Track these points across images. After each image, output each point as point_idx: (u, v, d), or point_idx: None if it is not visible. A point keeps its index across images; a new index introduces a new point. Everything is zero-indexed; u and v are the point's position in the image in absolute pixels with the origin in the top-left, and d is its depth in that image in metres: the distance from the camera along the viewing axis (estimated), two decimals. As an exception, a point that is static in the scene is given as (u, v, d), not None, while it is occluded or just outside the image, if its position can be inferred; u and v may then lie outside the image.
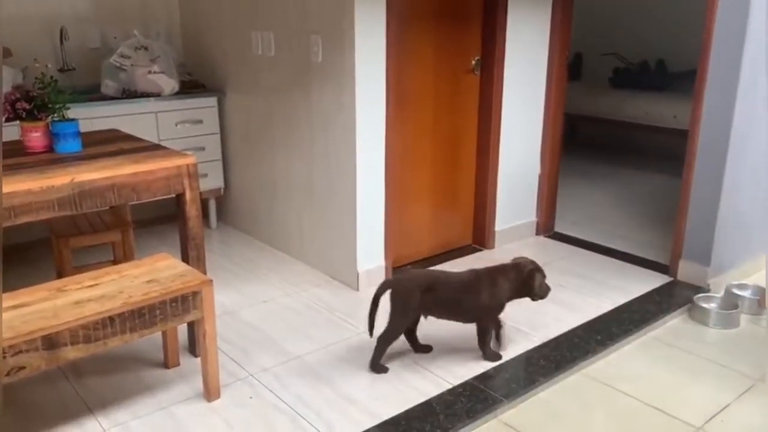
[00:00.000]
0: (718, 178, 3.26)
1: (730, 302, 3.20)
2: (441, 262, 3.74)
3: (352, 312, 3.15)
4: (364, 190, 3.26)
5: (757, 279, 3.50)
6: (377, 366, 2.63)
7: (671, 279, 3.51)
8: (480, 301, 2.58)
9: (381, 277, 3.41)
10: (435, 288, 2.58)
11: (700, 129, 3.28)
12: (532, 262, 2.63)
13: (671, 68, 6.18)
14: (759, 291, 3.29)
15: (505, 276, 2.60)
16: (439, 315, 2.66)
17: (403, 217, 3.57)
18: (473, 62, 3.65)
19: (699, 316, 3.15)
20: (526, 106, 3.87)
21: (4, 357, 1.88)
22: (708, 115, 3.24)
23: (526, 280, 2.58)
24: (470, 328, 2.76)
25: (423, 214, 3.71)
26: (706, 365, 2.78)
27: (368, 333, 2.62)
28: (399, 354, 2.76)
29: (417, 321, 2.71)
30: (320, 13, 3.19)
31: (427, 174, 3.67)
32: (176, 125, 3.91)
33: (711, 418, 2.40)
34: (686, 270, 3.46)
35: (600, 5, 6.54)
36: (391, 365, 2.68)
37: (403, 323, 2.62)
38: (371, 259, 3.37)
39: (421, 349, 2.77)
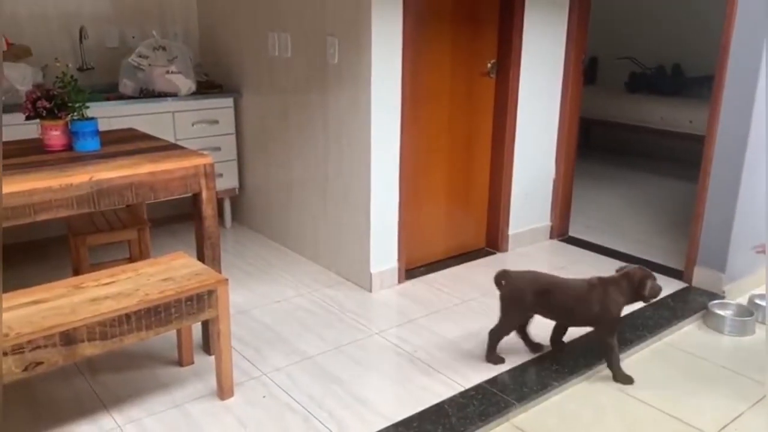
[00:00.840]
0: (735, 185, 3.23)
1: (746, 309, 3.17)
2: (454, 264, 3.74)
3: (364, 313, 3.16)
4: (378, 191, 3.27)
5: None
6: (493, 357, 2.70)
7: (686, 285, 3.49)
8: (591, 312, 2.59)
9: (394, 279, 3.42)
10: (549, 292, 2.62)
11: (717, 134, 3.26)
12: (641, 269, 2.64)
13: (687, 73, 6.15)
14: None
15: (617, 287, 2.60)
16: (550, 318, 2.72)
17: (417, 219, 3.58)
18: (489, 65, 3.64)
19: (714, 323, 3.13)
20: (542, 109, 3.86)
21: (23, 352, 1.91)
22: (725, 121, 3.22)
23: (638, 289, 2.59)
24: (480, 333, 2.76)
25: (437, 216, 3.71)
26: (720, 372, 2.76)
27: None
28: (411, 356, 2.76)
29: (528, 320, 2.76)
30: (337, 14, 3.21)
31: (441, 176, 3.67)
32: (193, 125, 3.94)
33: (724, 427, 2.39)
34: (701, 276, 3.44)
35: (616, 9, 6.51)
36: (402, 367, 2.69)
37: (514, 321, 2.71)
38: (384, 260, 3.38)
39: (534, 347, 2.79)
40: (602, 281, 2.63)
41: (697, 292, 3.41)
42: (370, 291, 3.35)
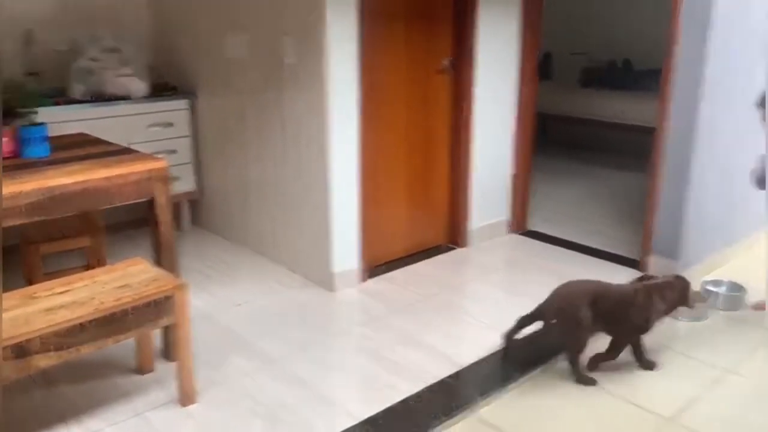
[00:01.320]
0: (685, 175, 3.33)
1: (698, 295, 3.25)
2: (416, 261, 3.77)
3: (327, 313, 3.15)
4: (338, 190, 3.26)
5: (727, 272, 3.58)
6: (584, 379, 2.61)
7: (641, 274, 3.57)
8: (634, 319, 2.61)
9: (356, 278, 3.43)
10: (597, 301, 2.59)
11: (666, 126, 3.35)
12: (682, 279, 2.71)
13: (637, 67, 6.30)
14: (735, 287, 3.34)
15: (660, 294, 2.63)
16: (600, 329, 2.65)
17: (378, 217, 3.59)
18: (445, 62, 3.67)
19: (669, 309, 3.22)
20: (498, 105, 3.91)
21: (-26, 366, 1.85)
22: (673, 113, 3.32)
23: (681, 299, 2.67)
24: (441, 326, 2.78)
25: (397, 214, 3.73)
26: (675, 357, 2.84)
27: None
28: (375, 353, 2.77)
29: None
30: (292, 14, 3.19)
31: (401, 174, 3.69)
32: (147, 128, 3.87)
33: (681, 410, 2.46)
34: (656, 265, 3.53)
35: (569, 5, 6.63)
36: (367, 365, 2.69)
37: (584, 336, 2.61)
38: (346, 260, 3.38)
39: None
40: (647, 288, 2.65)
41: (652, 280, 3.49)
42: (333, 291, 3.34)
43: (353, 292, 3.37)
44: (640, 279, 2.76)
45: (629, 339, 2.69)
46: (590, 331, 2.61)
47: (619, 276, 3.54)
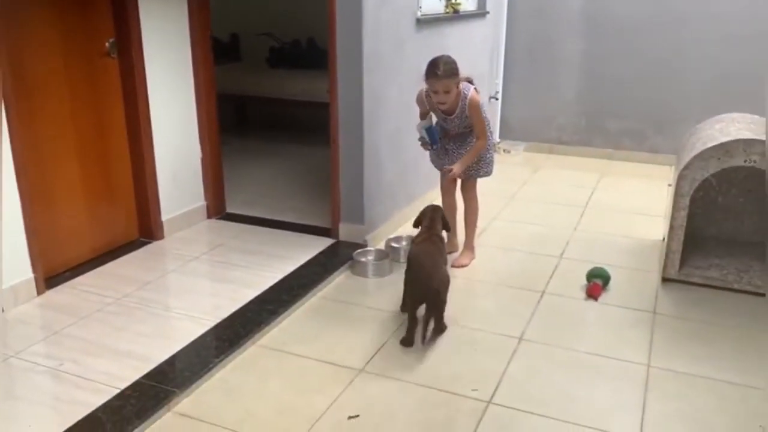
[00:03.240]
0: (359, 146, 3.59)
1: (383, 253, 3.58)
2: (106, 262, 3.47)
3: (-6, 337, 2.74)
4: (-9, 195, 2.83)
5: (407, 229, 3.97)
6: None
7: (335, 241, 3.79)
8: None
9: (32, 291, 3.03)
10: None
11: (338, 102, 3.57)
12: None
13: (321, 45, 6.59)
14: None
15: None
16: None
17: (52, 220, 3.21)
18: (107, 44, 3.39)
19: (358, 269, 3.47)
20: (175, 88, 3.75)
21: None
22: (342, 88, 3.53)
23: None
24: (134, 326, 2.61)
25: (76, 214, 3.38)
26: (366, 313, 3.07)
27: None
28: (55, 371, 2.49)
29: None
30: None
31: (74, 170, 3.34)
32: None
33: (371, 358, 2.67)
34: (346, 230, 3.77)
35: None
36: (46, 385, 2.41)
37: None
38: (15, 273, 2.96)
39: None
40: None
41: (344, 245, 3.72)
42: (1, 311, 2.91)
43: (29, 308, 2.98)
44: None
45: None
46: None
47: (316, 244, 3.71)
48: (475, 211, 3.63)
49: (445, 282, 2.78)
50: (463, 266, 3.54)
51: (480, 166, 3.48)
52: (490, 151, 3.52)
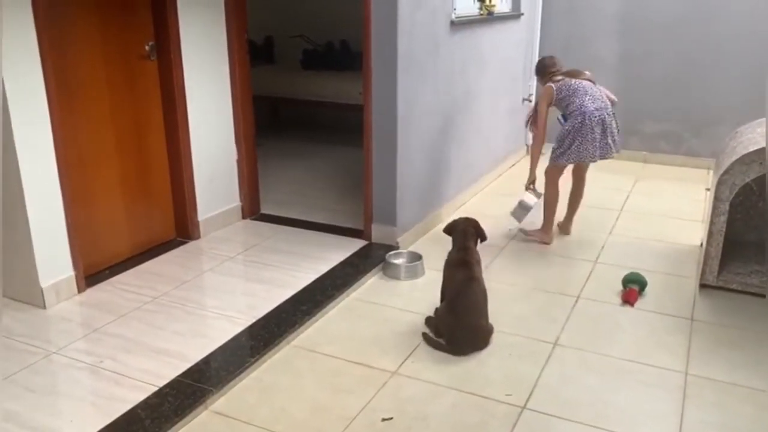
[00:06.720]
0: (392, 148, 3.59)
1: (416, 255, 3.57)
2: (144, 261, 3.54)
3: (37, 333, 2.80)
4: (34, 194, 2.89)
5: (436, 234, 3.97)
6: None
7: (367, 242, 3.80)
8: None
9: (73, 289, 3.11)
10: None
11: (372, 104, 3.58)
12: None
13: (354, 48, 6.63)
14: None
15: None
16: None
17: (92, 218, 3.29)
18: (147, 47, 3.46)
19: (391, 271, 3.47)
20: (212, 90, 3.81)
21: None
22: (376, 91, 3.55)
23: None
24: (170, 326, 2.65)
25: (116, 212, 3.45)
26: (399, 315, 3.07)
27: None
28: (94, 368, 2.55)
29: None
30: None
31: (113, 170, 3.41)
32: None
33: (404, 360, 2.67)
34: (378, 232, 3.78)
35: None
36: (86, 381, 2.46)
37: None
38: (56, 270, 3.04)
39: None
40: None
41: (376, 247, 3.73)
42: (44, 308, 2.98)
43: (70, 305, 3.05)
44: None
45: None
46: None
47: (348, 246, 3.73)
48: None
49: (491, 330, 2.83)
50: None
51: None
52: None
